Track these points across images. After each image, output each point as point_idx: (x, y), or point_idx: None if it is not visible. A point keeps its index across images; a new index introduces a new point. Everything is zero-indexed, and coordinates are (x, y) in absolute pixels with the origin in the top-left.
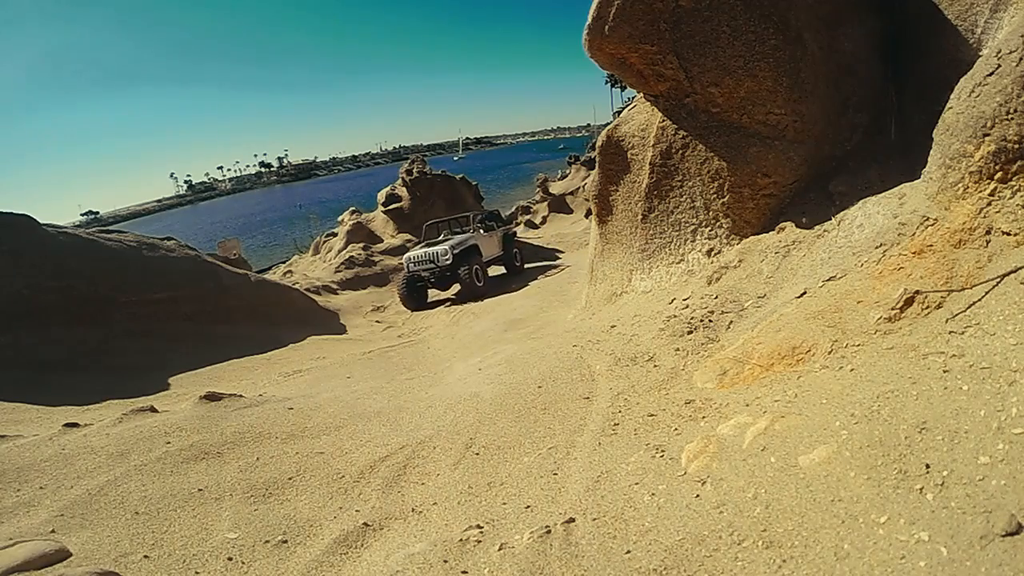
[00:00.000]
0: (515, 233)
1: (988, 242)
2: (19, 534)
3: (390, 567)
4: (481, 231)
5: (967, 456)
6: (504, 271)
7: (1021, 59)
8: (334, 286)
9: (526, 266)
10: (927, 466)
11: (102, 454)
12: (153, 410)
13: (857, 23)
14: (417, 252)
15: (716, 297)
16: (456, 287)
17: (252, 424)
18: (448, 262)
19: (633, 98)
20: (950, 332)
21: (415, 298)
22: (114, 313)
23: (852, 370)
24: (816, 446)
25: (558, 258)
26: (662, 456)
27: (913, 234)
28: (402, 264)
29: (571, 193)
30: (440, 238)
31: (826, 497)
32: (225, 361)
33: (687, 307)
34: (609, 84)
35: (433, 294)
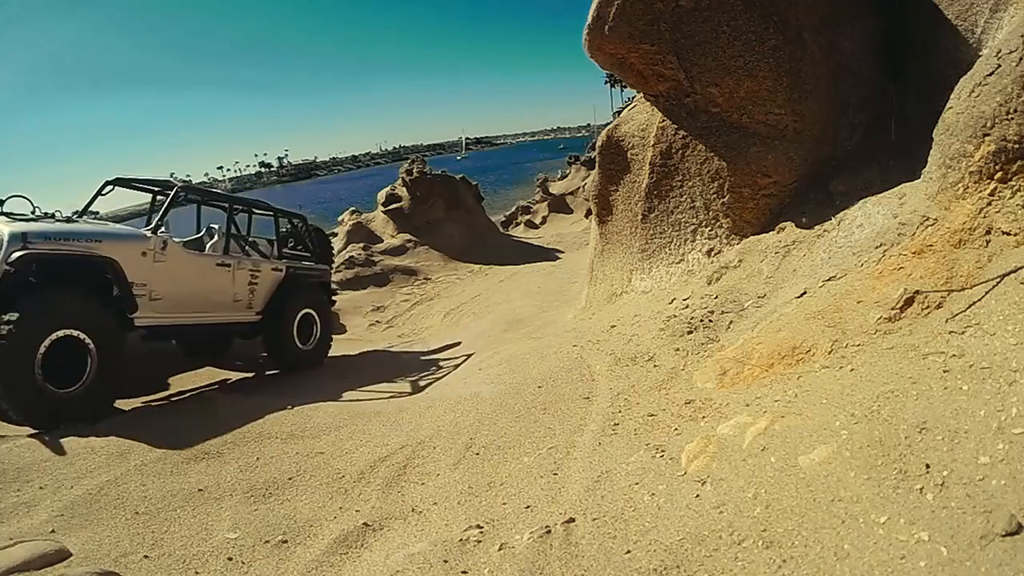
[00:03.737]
0: (330, 285)
1: (988, 242)
2: (19, 534)
3: (390, 567)
4: (216, 236)
5: (967, 456)
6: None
7: (1021, 59)
8: (334, 286)
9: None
10: (927, 466)
11: (102, 454)
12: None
13: (857, 23)
14: None
15: (716, 297)
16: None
17: (252, 424)
18: None
19: (633, 98)
20: (950, 332)
21: None
22: None
23: (852, 370)
24: (816, 446)
25: (558, 258)
26: (662, 456)
27: (913, 234)
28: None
29: (571, 193)
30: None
31: (826, 497)
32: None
33: (687, 307)
34: (609, 84)
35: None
